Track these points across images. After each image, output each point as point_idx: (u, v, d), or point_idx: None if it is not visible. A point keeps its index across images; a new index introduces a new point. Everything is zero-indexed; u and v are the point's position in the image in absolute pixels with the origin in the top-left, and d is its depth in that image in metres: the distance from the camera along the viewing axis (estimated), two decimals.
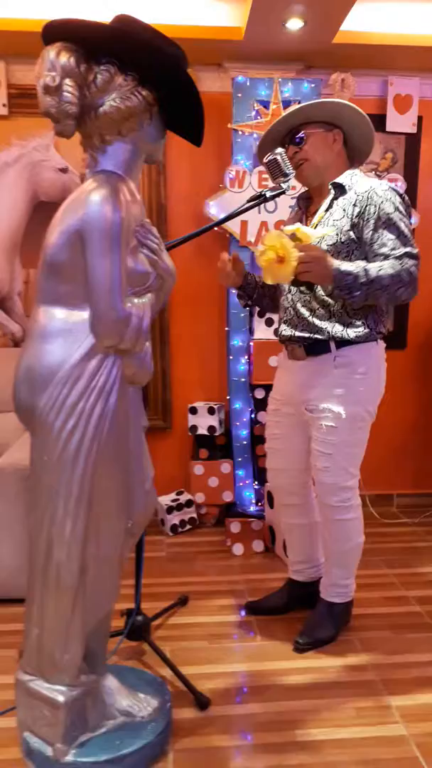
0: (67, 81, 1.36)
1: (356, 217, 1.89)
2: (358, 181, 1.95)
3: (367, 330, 1.94)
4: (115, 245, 1.37)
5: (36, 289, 1.48)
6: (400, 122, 3.08)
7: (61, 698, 1.48)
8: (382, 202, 1.87)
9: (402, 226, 1.87)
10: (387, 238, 1.86)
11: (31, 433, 1.47)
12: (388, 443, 3.30)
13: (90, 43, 1.38)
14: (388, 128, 3.07)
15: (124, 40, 1.40)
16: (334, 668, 1.99)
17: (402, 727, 1.71)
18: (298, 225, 1.84)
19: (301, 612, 2.25)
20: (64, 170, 2.97)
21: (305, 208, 2.11)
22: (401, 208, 1.89)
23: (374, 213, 1.87)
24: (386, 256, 1.85)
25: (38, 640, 1.49)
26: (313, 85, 2.88)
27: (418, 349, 3.32)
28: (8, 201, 2.98)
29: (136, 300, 1.45)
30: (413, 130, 3.09)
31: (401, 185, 3.05)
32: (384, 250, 1.86)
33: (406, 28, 2.80)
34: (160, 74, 1.43)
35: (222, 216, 2.85)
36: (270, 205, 2.85)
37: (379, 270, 1.82)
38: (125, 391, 1.48)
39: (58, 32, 1.38)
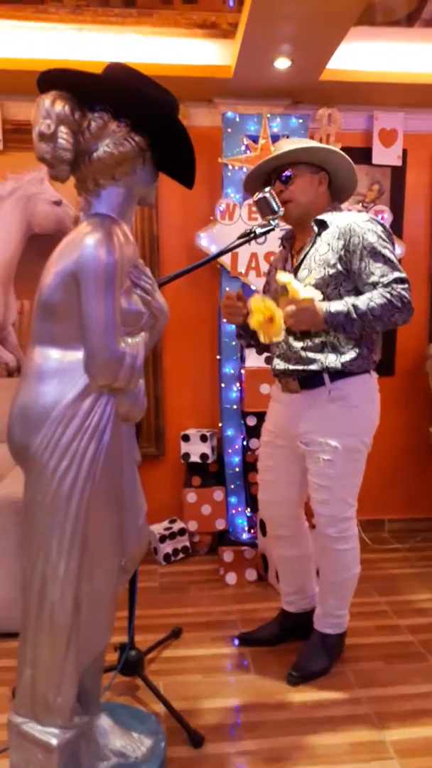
0: (62, 128, 1.40)
1: (341, 249, 1.94)
2: (338, 216, 2.01)
3: (360, 359, 1.97)
4: (109, 287, 1.39)
5: (31, 330, 1.50)
6: (385, 155, 3.16)
7: (54, 741, 1.46)
8: (364, 233, 1.92)
9: (387, 253, 1.91)
10: (375, 266, 1.90)
11: (25, 471, 1.48)
12: (379, 468, 3.31)
13: (84, 91, 1.42)
14: (374, 161, 3.15)
15: (116, 89, 1.44)
16: (328, 702, 1.98)
17: (397, 763, 1.71)
18: (290, 278, 1.88)
19: (295, 643, 2.25)
20: (57, 203, 3.02)
21: (289, 247, 2.15)
22: (383, 236, 1.94)
23: (359, 244, 1.91)
24: (376, 284, 1.89)
25: (31, 681, 1.48)
26: (300, 120, 2.95)
27: (406, 375, 3.36)
28: (3, 233, 3.01)
29: (129, 340, 1.48)
30: (398, 162, 3.17)
31: (388, 216, 3.12)
32: (373, 278, 1.90)
33: (389, 66, 2.89)
34: (151, 121, 1.47)
35: (213, 248, 2.92)
36: (260, 239, 2.90)
37: (369, 302, 1.86)
38: (119, 429, 1.49)
39: (53, 80, 1.43)
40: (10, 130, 2.91)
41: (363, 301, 1.87)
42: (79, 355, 1.43)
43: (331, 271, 1.94)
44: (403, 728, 1.85)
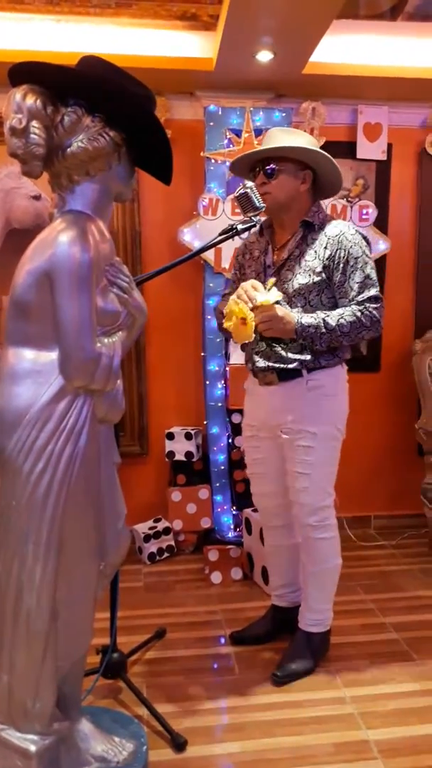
0: (34, 123, 1.36)
1: (327, 259, 1.98)
2: (328, 224, 2.02)
3: (332, 356, 2.03)
4: (84, 286, 1.36)
5: (4, 330, 1.47)
6: (370, 150, 3.14)
7: (32, 748, 1.44)
8: (351, 246, 1.96)
9: (368, 269, 1.98)
10: (353, 281, 1.96)
11: (0, 475, 1.44)
12: (364, 465, 3.32)
13: (56, 85, 1.38)
14: (359, 155, 3.12)
15: (90, 82, 1.40)
16: (313, 702, 1.97)
17: (381, 763, 1.70)
18: (257, 295, 1.87)
19: (283, 641, 2.24)
20: (36, 197, 2.97)
21: (269, 237, 2.12)
22: (367, 251, 2.00)
23: (344, 257, 1.96)
24: (351, 300, 1.96)
25: (8, 687, 1.45)
26: (284, 114, 2.92)
27: (391, 371, 3.35)
28: None
29: (106, 339, 1.45)
30: (383, 157, 3.15)
31: (372, 211, 3.10)
32: (351, 293, 1.96)
33: (373, 59, 2.86)
34: (127, 115, 1.43)
35: (196, 243, 2.89)
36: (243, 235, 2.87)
37: (339, 318, 1.92)
38: (96, 431, 1.46)
39: (25, 74, 1.38)
40: None
41: (334, 318, 1.93)
42: (53, 355, 1.40)
43: (316, 278, 1.98)
44: (387, 728, 1.84)
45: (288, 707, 1.95)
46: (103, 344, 1.42)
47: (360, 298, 1.96)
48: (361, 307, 1.94)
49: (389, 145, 3.16)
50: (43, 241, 1.41)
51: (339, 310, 1.95)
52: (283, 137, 1.99)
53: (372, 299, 1.96)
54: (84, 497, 1.43)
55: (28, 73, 1.38)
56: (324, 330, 1.92)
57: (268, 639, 2.28)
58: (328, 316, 1.93)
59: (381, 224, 3.17)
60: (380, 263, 3.01)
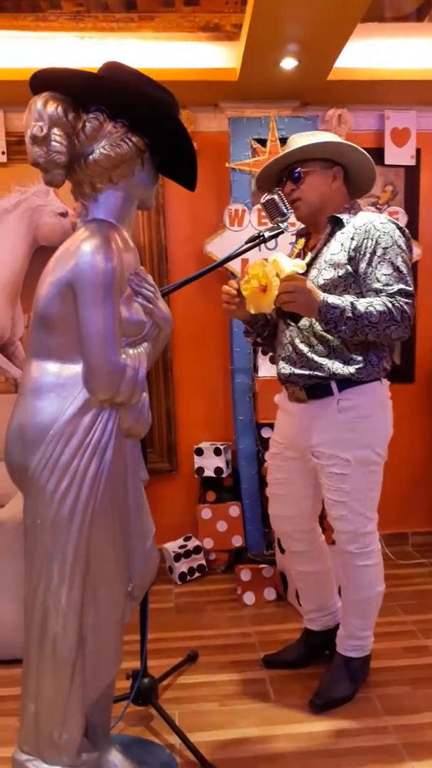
0: (55, 130, 1.33)
1: (353, 250, 1.85)
2: (356, 214, 1.91)
3: (369, 367, 1.87)
4: (108, 296, 1.32)
5: (28, 343, 1.43)
6: (398, 155, 3.06)
7: None
8: (379, 235, 1.82)
9: (398, 261, 1.80)
10: (381, 273, 1.79)
11: (24, 494, 1.40)
12: (400, 479, 3.19)
13: (77, 91, 1.36)
14: (387, 161, 3.05)
15: (111, 87, 1.37)
16: (353, 731, 1.86)
17: None
18: (276, 255, 1.77)
19: (318, 666, 2.13)
20: (63, 214, 2.96)
21: (305, 244, 2.06)
22: (400, 242, 1.83)
23: (370, 247, 1.82)
24: (379, 292, 1.78)
25: (35, 717, 1.39)
26: (309, 122, 2.87)
27: (426, 382, 3.24)
28: (9, 247, 2.96)
29: (131, 351, 1.40)
30: (412, 162, 3.07)
31: (402, 218, 3.01)
32: (377, 285, 1.79)
33: (400, 63, 2.80)
34: (150, 120, 1.40)
35: (222, 256, 2.84)
36: (270, 242, 2.81)
37: (368, 306, 1.74)
38: (122, 446, 1.41)
39: (45, 81, 1.36)
40: (13, 142, 2.87)
41: (363, 304, 1.75)
42: (77, 368, 1.35)
43: (341, 272, 1.85)
44: None
45: (326, 737, 1.84)
46: (128, 356, 1.37)
47: (389, 290, 1.77)
48: (392, 299, 1.75)
49: (418, 150, 3.07)
50: (66, 251, 1.37)
51: (368, 299, 1.77)
52: (305, 139, 1.92)
53: (402, 293, 1.77)
54: (110, 516, 1.38)
55: (49, 80, 1.36)
56: (350, 314, 1.72)
57: (301, 664, 2.17)
58: (357, 301, 1.76)
59: (411, 230, 3.08)
60: (412, 269, 2.91)
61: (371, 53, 2.79)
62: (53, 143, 1.33)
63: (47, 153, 1.33)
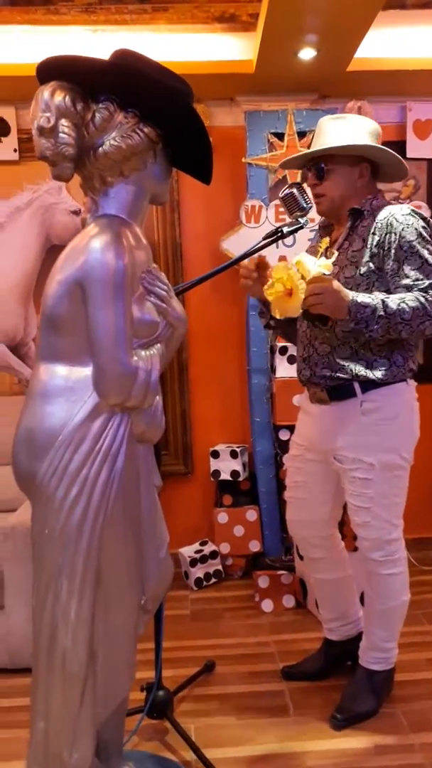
0: (63, 121, 1.27)
1: (376, 246, 1.76)
2: (377, 206, 1.82)
3: (394, 368, 1.79)
4: (118, 295, 1.25)
5: (36, 345, 1.37)
6: (421, 148, 2.97)
7: None
8: (402, 229, 1.73)
9: (426, 254, 1.72)
10: (409, 269, 1.71)
11: (32, 502, 1.33)
12: (424, 482, 3.08)
13: (86, 80, 1.29)
14: (409, 155, 2.95)
15: (122, 75, 1.31)
16: (378, 748, 1.78)
17: None
18: (300, 256, 1.69)
19: (340, 678, 2.05)
20: (76, 212, 2.91)
21: (326, 237, 1.97)
22: (424, 234, 1.74)
23: (395, 242, 1.73)
24: (409, 288, 1.70)
25: (44, 735, 1.33)
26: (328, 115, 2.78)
27: None
28: (21, 246, 2.92)
29: (143, 353, 1.33)
30: None
31: (426, 212, 2.91)
32: (406, 281, 1.71)
33: (422, 51, 2.70)
34: (163, 110, 1.33)
35: (238, 253, 2.76)
36: (288, 239, 2.73)
37: (400, 303, 1.66)
38: (134, 452, 1.34)
39: (52, 70, 1.30)
40: (25, 140, 2.82)
41: (394, 300, 1.67)
42: (87, 371, 1.29)
43: (363, 269, 1.76)
44: None
45: (350, 755, 1.76)
46: (140, 357, 1.31)
47: (420, 284, 1.69)
48: (425, 294, 1.67)
49: None
50: (75, 248, 1.31)
51: (399, 294, 1.69)
52: (333, 130, 1.83)
53: None
54: (122, 525, 1.31)
55: (56, 69, 1.29)
56: (382, 313, 1.65)
57: (322, 676, 2.09)
58: (388, 298, 1.67)
59: None
60: None
61: (392, 42, 2.70)
62: (61, 135, 1.26)
63: (55, 145, 1.27)
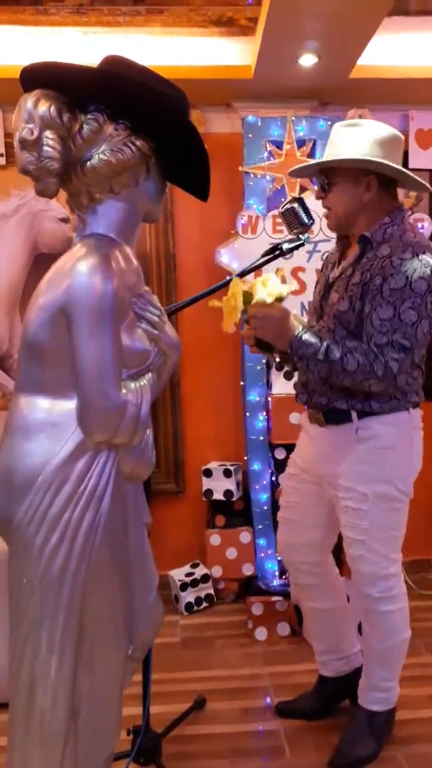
0: (48, 133, 1.17)
1: (364, 285, 1.63)
2: (389, 236, 1.66)
3: (393, 401, 1.68)
4: (106, 323, 1.15)
5: (17, 374, 1.26)
6: (423, 158, 2.88)
7: None
8: (392, 273, 1.57)
9: (404, 307, 1.55)
10: (378, 316, 1.58)
11: (9, 547, 1.23)
12: (422, 502, 2.97)
13: (74, 88, 1.19)
14: (411, 165, 2.86)
15: (112, 83, 1.20)
16: None
17: None
18: (265, 276, 1.62)
19: (337, 716, 1.95)
20: (65, 220, 2.80)
21: (341, 251, 1.83)
22: (418, 287, 1.55)
23: (379, 284, 1.59)
24: (369, 338, 1.59)
25: None
26: (329, 123, 2.68)
27: None
28: (7, 253, 2.81)
29: (132, 384, 1.23)
30: None
31: (428, 225, 2.83)
32: (370, 329, 1.59)
33: (426, 60, 2.61)
34: (156, 121, 1.23)
35: (235, 265, 2.67)
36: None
37: (347, 353, 1.57)
38: (121, 492, 1.24)
39: (37, 77, 1.20)
40: (12, 144, 2.70)
41: (340, 349, 1.57)
42: (71, 404, 1.19)
43: (358, 305, 1.64)
44: None
45: None
46: (129, 390, 1.21)
47: (378, 340, 1.56)
48: (377, 351, 1.56)
49: None
50: (59, 271, 1.21)
51: (352, 343, 1.59)
52: (340, 139, 1.70)
53: (395, 345, 1.55)
54: (108, 573, 1.21)
55: (41, 76, 1.19)
56: (322, 357, 1.57)
57: (318, 716, 1.99)
58: (336, 343, 1.59)
59: None
60: None
61: (395, 49, 2.60)
62: (45, 148, 1.16)
63: (38, 159, 1.17)
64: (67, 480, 1.16)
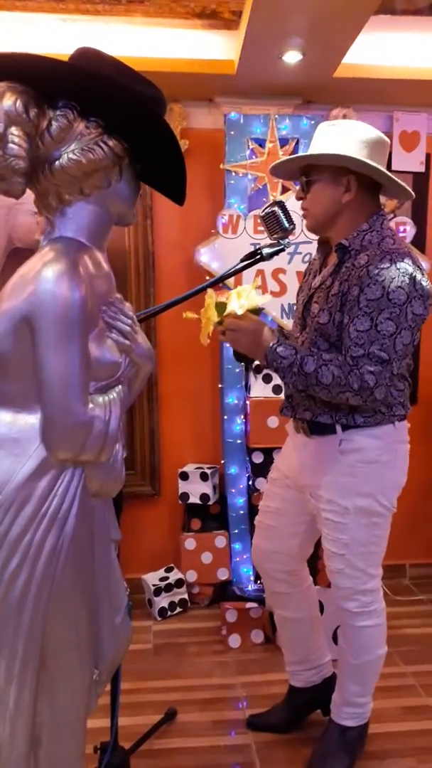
0: (13, 130, 1.09)
1: (343, 295, 1.58)
2: (368, 244, 1.60)
3: (378, 415, 1.64)
4: (72, 333, 1.09)
5: None
6: (406, 160, 2.84)
7: None
8: (370, 284, 1.51)
9: (381, 317, 1.49)
10: (355, 328, 1.52)
11: None
12: (399, 506, 2.97)
13: (42, 82, 1.12)
14: (394, 167, 2.82)
15: (84, 78, 1.13)
16: None
17: None
18: (240, 288, 1.59)
19: (310, 728, 1.92)
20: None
21: (323, 258, 1.77)
22: (395, 297, 1.49)
23: (356, 295, 1.53)
24: (346, 350, 1.54)
25: None
26: (312, 122, 2.63)
27: (429, 405, 3.03)
28: None
29: (100, 399, 1.16)
30: (421, 168, 2.85)
31: (410, 229, 2.79)
32: (347, 341, 1.54)
33: (412, 61, 2.57)
34: (130, 120, 1.16)
35: (215, 264, 2.61)
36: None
37: (321, 365, 1.52)
38: (87, 512, 1.18)
39: (2, 69, 1.12)
40: None
41: (315, 361, 1.53)
42: (34, 419, 1.12)
43: (338, 316, 1.59)
44: None
45: None
46: (96, 405, 1.14)
47: (354, 352, 1.51)
48: (353, 364, 1.51)
49: (428, 156, 2.85)
50: (24, 276, 1.13)
51: (330, 356, 1.55)
52: (322, 137, 1.63)
53: (372, 358, 1.50)
54: (72, 597, 1.15)
55: (7, 68, 1.11)
56: (296, 370, 1.54)
57: (289, 728, 1.96)
58: (312, 355, 1.54)
59: (419, 243, 2.86)
60: None
61: (380, 49, 2.56)
62: (10, 145, 1.09)
63: (3, 157, 1.09)
64: (28, 500, 1.09)
